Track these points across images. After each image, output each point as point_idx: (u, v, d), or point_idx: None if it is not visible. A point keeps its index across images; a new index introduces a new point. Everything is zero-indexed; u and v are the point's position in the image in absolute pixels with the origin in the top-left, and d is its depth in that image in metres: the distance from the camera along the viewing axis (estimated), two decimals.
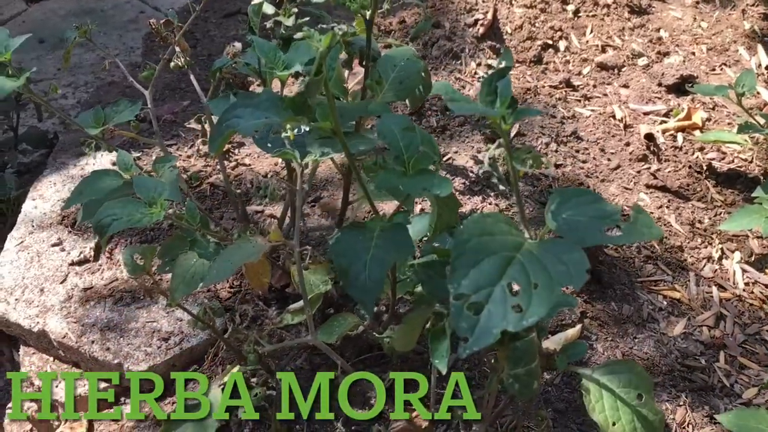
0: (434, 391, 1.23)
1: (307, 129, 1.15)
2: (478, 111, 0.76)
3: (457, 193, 2.06)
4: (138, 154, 2.17)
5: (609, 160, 2.26)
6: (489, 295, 0.74)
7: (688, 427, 1.58)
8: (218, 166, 2.05)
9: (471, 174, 2.11)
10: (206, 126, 2.02)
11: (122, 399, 1.67)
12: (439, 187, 0.91)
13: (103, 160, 2.16)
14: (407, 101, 1.75)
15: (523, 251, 0.78)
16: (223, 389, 1.51)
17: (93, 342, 1.66)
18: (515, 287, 0.75)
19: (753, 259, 2.01)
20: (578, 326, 1.75)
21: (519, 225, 0.82)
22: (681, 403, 1.63)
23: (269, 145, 1.20)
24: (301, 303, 1.43)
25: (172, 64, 1.66)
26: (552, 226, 0.83)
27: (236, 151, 2.18)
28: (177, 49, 1.65)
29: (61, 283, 1.81)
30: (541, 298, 0.74)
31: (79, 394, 1.65)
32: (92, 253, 1.85)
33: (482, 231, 0.79)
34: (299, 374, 1.65)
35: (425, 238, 1.29)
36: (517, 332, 0.96)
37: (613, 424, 0.95)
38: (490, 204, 2.01)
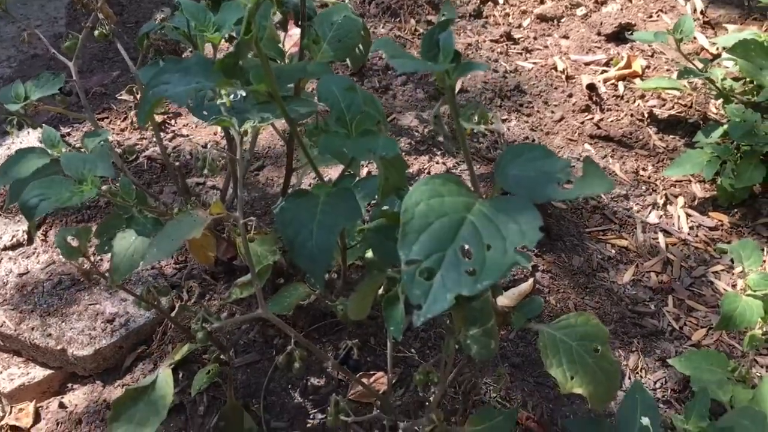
0: (390, 356, 1.21)
1: (244, 94, 1.09)
2: (421, 67, 0.72)
3: (404, 153, 2.03)
4: (68, 131, 2.07)
5: (553, 112, 2.25)
6: (441, 259, 0.71)
7: (641, 372, 1.61)
8: (154, 139, 1.96)
9: (416, 133, 2.08)
10: (138, 96, 1.93)
11: (69, 385, 1.61)
12: (385, 147, 0.88)
13: (30, 138, 2.05)
14: (348, 61, 1.70)
15: (474, 212, 0.75)
16: (172, 368, 1.47)
17: (33, 329, 1.59)
18: (467, 251, 0.72)
19: (696, 203, 2.05)
20: (530, 280, 1.75)
21: (469, 184, 0.79)
22: (633, 349, 1.66)
23: (205, 113, 1.14)
24: (249, 276, 1.38)
25: (96, 32, 1.56)
26: (502, 184, 0.81)
27: (173, 121, 2.10)
28: (101, 16, 1.56)
29: None
30: (494, 260, 0.71)
31: (23, 383, 1.59)
32: (25, 237, 1.76)
33: (431, 193, 0.76)
34: (253, 347, 1.62)
35: (373, 203, 1.25)
36: None
37: (572, 378, 0.95)
38: (437, 163, 1.99)
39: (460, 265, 0.70)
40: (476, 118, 0.76)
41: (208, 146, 1.39)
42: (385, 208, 1.10)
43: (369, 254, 1.19)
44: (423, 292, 0.69)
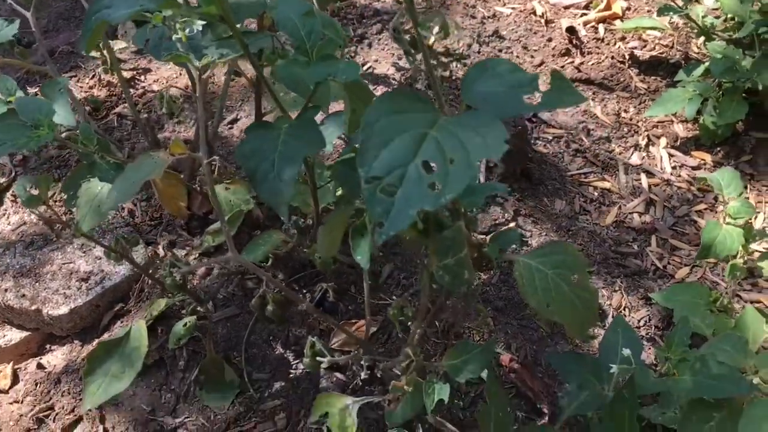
0: (368, 299, 1.19)
1: (200, 29, 1.05)
2: None
3: None
4: (34, 91, 2.01)
5: (533, 57, 2.21)
6: (402, 175, 0.68)
7: (625, 310, 1.60)
8: (123, 95, 1.91)
9: (393, 81, 2.03)
10: (105, 52, 1.88)
11: (47, 346, 1.59)
12: (345, 71, 0.84)
13: None
14: (314, 1, 1.65)
15: (437, 127, 0.72)
16: (150, 324, 1.45)
17: (6, 290, 1.55)
18: (429, 166, 0.69)
19: (678, 143, 2.02)
20: (512, 224, 1.73)
21: (433, 100, 0.76)
22: (617, 289, 1.65)
23: (163, 52, 1.10)
24: (219, 223, 1.35)
25: None
26: (468, 101, 0.77)
27: (142, 77, 2.04)
28: None
29: None
30: (458, 174, 0.68)
31: None
32: None
33: (392, 109, 0.72)
34: (232, 301, 1.59)
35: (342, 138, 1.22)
36: (443, 221, 0.92)
37: (547, 305, 0.93)
38: None
39: (423, 181, 0.67)
40: (436, 28, 0.73)
41: (165, 87, 1.35)
42: (355, 145, 1.06)
43: (339, 192, 1.16)
44: (384, 209, 0.66)
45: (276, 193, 0.84)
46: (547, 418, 1.39)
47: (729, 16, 2.10)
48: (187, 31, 0.99)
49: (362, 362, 1.11)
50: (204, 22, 1.00)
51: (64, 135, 1.12)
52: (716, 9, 2.16)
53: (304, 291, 1.59)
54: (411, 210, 0.66)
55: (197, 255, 1.54)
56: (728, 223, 1.29)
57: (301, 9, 0.91)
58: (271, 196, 0.84)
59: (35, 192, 1.07)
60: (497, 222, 1.74)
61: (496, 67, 0.80)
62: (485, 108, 0.76)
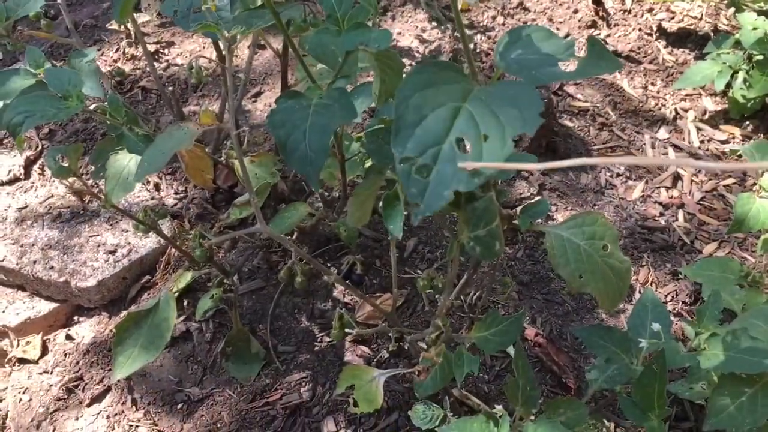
0: (395, 273, 1.19)
1: (230, 0, 1.04)
2: None
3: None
4: (60, 63, 2.02)
5: (558, 29, 2.18)
6: (437, 155, 0.67)
7: (652, 285, 1.59)
8: (148, 69, 1.91)
9: (417, 55, 2.01)
10: (129, 25, 1.88)
11: (75, 317, 1.60)
12: (378, 39, 0.83)
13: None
14: None
15: (471, 99, 0.71)
16: (177, 296, 1.46)
17: (35, 262, 1.57)
18: (463, 144, 0.68)
19: (707, 116, 1.99)
20: (537, 198, 1.71)
21: (466, 70, 0.75)
22: (643, 264, 1.63)
23: (191, 24, 1.09)
24: (247, 196, 1.35)
25: None
26: (503, 68, 0.76)
27: (166, 51, 2.04)
28: None
29: None
30: (492, 152, 0.67)
31: (29, 317, 1.58)
32: (22, 172, 1.74)
33: (426, 83, 0.71)
34: (257, 274, 1.60)
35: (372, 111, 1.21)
36: (474, 192, 0.91)
37: (580, 276, 0.92)
38: None
39: (457, 160, 0.66)
40: None
41: (195, 56, 1.35)
42: (384, 117, 1.05)
43: (369, 164, 1.16)
44: (420, 190, 0.66)
45: (307, 163, 0.83)
46: (572, 392, 1.39)
47: None
48: (217, 1, 0.99)
49: (390, 334, 1.11)
50: None
51: (92, 107, 1.12)
52: None
53: (329, 264, 1.59)
54: (446, 191, 0.66)
55: (223, 228, 1.54)
56: (762, 197, 1.27)
57: None
58: (303, 166, 0.83)
59: (65, 163, 1.08)
60: (522, 196, 1.73)
61: (531, 34, 0.78)
62: (520, 74, 0.75)
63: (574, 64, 0.77)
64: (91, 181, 1.65)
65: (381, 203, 0.85)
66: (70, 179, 1.09)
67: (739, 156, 1.53)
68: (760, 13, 1.99)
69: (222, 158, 1.48)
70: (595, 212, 0.94)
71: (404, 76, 0.74)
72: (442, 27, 0.70)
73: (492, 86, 0.73)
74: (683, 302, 1.55)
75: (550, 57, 0.74)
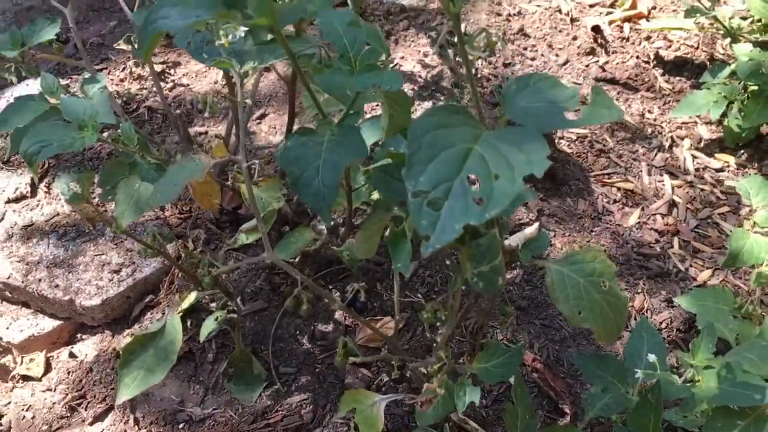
0: (398, 299, 1.22)
1: (243, 34, 1.07)
2: None
3: None
4: (66, 82, 2.05)
5: (557, 55, 2.22)
6: (448, 189, 0.70)
7: (647, 313, 1.62)
8: (154, 89, 1.94)
9: (419, 79, 2.05)
10: (137, 46, 1.90)
11: (78, 335, 1.62)
12: (390, 81, 0.86)
13: (31, 90, 2.02)
14: (349, 2, 1.67)
15: (481, 142, 0.74)
16: (181, 316, 1.48)
17: (40, 280, 1.59)
18: (475, 180, 0.71)
19: (702, 144, 2.03)
20: (536, 224, 1.74)
21: (475, 115, 0.78)
22: (639, 291, 1.66)
23: (205, 55, 1.12)
24: (254, 221, 1.38)
25: None
26: (510, 115, 0.79)
27: (172, 71, 2.07)
28: None
29: None
30: (502, 189, 0.70)
31: (32, 334, 1.60)
32: (29, 189, 1.76)
33: (437, 124, 0.75)
34: (260, 295, 1.62)
35: (378, 145, 1.24)
36: (479, 229, 0.94)
37: (579, 313, 0.95)
38: None
39: (468, 195, 0.69)
40: (482, 43, 0.74)
41: (209, 92, 1.38)
42: (390, 149, 1.08)
43: (375, 196, 1.18)
44: (431, 222, 0.69)
45: (320, 199, 0.86)
46: (569, 418, 1.41)
47: (756, 18, 2.09)
48: (230, 37, 1.02)
49: (392, 362, 1.13)
50: (246, 28, 1.02)
51: (104, 134, 1.15)
52: (743, 10, 2.16)
53: (331, 287, 1.62)
54: (457, 224, 0.68)
55: (230, 250, 1.57)
56: (756, 232, 1.31)
57: (345, 18, 0.93)
58: (316, 202, 0.86)
59: (78, 190, 1.10)
60: (521, 222, 1.76)
61: (537, 83, 0.82)
62: (527, 122, 0.78)
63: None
64: (96, 199, 1.67)
65: (389, 241, 0.88)
66: (83, 205, 1.11)
67: (734, 191, 1.57)
68: (755, 44, 2.03)
69: (228, 182, 1.51)
70: (595, 249, 0.98)
71: (416, 116, 0.77)
72: (456, 78, 0.72)
73: (500, 132, 0.76)
74: (678, 330, 1.58)
75: (555, 105, 0.78)
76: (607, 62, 2.20)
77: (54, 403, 1.51)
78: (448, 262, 1.54)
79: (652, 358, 1.15)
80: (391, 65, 2.06)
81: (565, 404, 1.44)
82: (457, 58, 0.78)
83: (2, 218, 1.72)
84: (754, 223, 1.32)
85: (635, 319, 1.60)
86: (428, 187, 0.70)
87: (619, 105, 2.08)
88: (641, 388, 1.19)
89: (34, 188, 1.75)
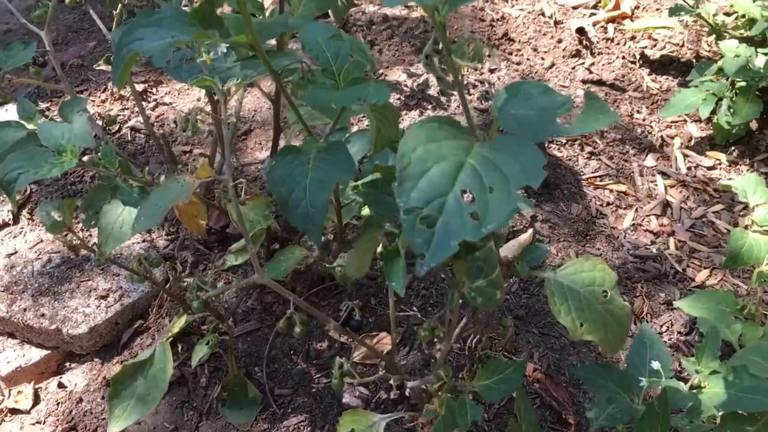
0: (393, 315, 1.18)
1: (224, 51, 1.04)
2: (412, 1, 0.68)
3: None
4: (46, 105, 2.01)
5: (543, 59, 2.20)
6: (442, 205, 0.67)
7: (646, 316, 1.59)
8: (137, 109, 1.91)
9: (405, 88, 2.03)
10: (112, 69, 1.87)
11: (66, 364, 1.58)
12: (376, 94, 0.83)
13: (10, 115, 1.98)
14: (330, 13, 1.64)
15: (473, 154, 0.71)
16: (171, 341, 1.44)
17: (25, 310, 1.55)
18: (469, 194, 0.69)
19: (693, 143, 2.01)
20: (530, 230, 1.72)
21: (464, 125, 0.75)
22: (637, 294, 1.64)
23: (185, 74, 1.09)
24: (243, 242, 1.35)
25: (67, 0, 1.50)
26: (502, 124, 0.77)
27: (154, 90, 2.03)
28: None
29: None
30: (498, 203, 0.68)
31: (19, 366, 1.56)
32: (11, 217, 1.72)
33: (427, 138, 0.72)
34: (252, 315, 1.59)
35: (366, 159, 1.21)
36: (474, 243, 0.91)
37: (581, 325, 0.92)
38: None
39: (463, 210, 0.66)
40: (470, 53, 0.72)
41: (192, 110, 1.35)
42: (377, 162, 1.06)
43: (365, 211, 1.15)
44: (425, 240, 0.66)
45: (309, 220, 0.83)
46: (572, 429, 1.38)
47: (740, 14, 2.08)
48: (212, 54, 0.99)
49: (391, 382, 1.10)
50: (228, 45, 0.99)
51: (85, 158, 1.11)
52: (727, 6, 2.15)
53: (324, 304, 1.58)
54: (452, 241, 0.65)
55: (219, 272, 1.53)
56: (755, 231, 1.29)
57: (327, 32, 0.90)
58: (304, 223, 0.83)
59: (59, 217, 1.07)
60: (515, 228, 1.74)
61: (528, 89, 0.79)
62: (519, 131, 0.75)
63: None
64: (80, 225, 1.63)
65: (382, 259, 0.85)
66: (65, 234, 1.07)
67: (729, 190, 1.55)
68: (741, 40, 2.02)
69: (214, 201, 1.47)
70: (594, 257, 0.95)
71: (406, 130, 0.74)
72: (444, 87, 0.70)
73: (493, 142, 0.73)
74: (679, 332, 1.56)
75: (547, 112, 0.75)
76: (593, 64, 2.19)
77: None
78: (443, 276, 1.51)
79: (656, 365, 1.12)
80: (377, 77, 2.04)
81: (568, 414, 1.41)
82: (442, 66, 0.75)
83: None
84: (752, 221, 1.30)
85: (635, 323, 1.58)
86: (421, 204, 0.67)
87: (608, 104, 2.06)
88: (647, 397, 1.16)
89: (16, 215, 1.71)
